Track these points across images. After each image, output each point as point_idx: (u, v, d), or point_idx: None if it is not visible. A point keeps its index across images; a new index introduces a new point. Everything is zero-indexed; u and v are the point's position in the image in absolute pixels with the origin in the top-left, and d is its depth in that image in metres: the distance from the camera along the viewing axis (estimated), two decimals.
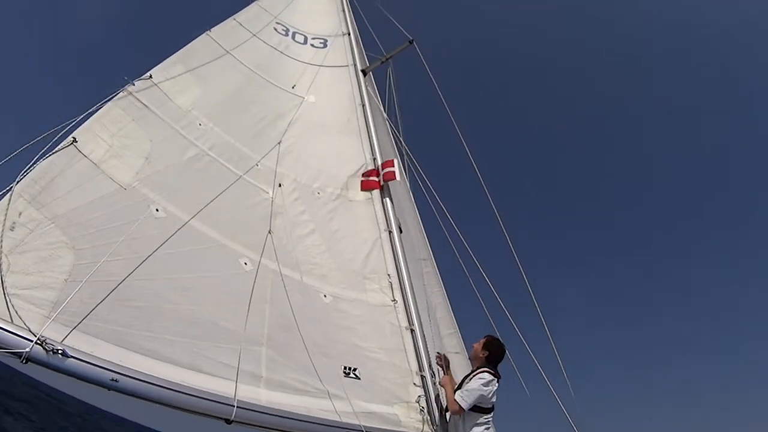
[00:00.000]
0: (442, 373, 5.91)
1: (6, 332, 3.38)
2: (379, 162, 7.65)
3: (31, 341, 3.39)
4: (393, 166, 7.55)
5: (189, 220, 5.18)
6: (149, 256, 4.58)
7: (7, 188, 4.04)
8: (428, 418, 5.49)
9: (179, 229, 5.01)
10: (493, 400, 5.38)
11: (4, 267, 3.70)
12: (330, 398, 4.88)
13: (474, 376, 5.51)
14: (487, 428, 5.31)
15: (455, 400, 5.35)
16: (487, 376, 5.37)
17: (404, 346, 5.99)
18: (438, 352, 6.18)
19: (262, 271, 5.41)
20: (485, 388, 5.27)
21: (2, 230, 3.84)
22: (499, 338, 5.83)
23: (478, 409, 5.31)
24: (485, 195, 8.19)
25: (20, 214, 4.03)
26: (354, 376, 5.33)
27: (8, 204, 3.98)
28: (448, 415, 5.58)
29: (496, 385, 5.39)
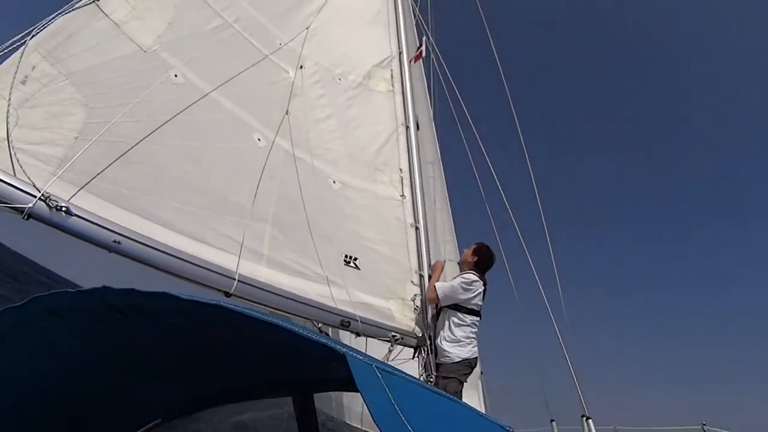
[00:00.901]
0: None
1: (9, 186, 3.29)
2: (405, 57, 7.41)
3: (35, 197, 3.31)
4: (422, 46, 7.47)
5: (209, 92, 4.99)
6: (165, 121, 4.43)
7: (22, 41, 3.84)
8: (421, 318, 5.54)
9: (194, 95, 4.84)
10: (478, 302, 5.45)
11: (12, 120, 3.56)
12: (328, 284, 4.89)
13: (458, 275, 5.63)
14: (473, 330, 5.39)
15: (434, 287, 5.49)
16: (471, 276, 5.45)
17: (407, 242, 5.98)
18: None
19: (275, 149, 5.28)
20: (465, 286, 5.35)
21: (13, 83, 3.66)
22: (490, 247, 5.85)
23: (461, 309, 5.39)
24: (509, 112, 7.97)
25: (33, 67, 3.84)
26: (354, 265, 5.32)
27: (21, 57, 3.78)
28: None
29: (481, 287, 5.45)
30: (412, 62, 7.54)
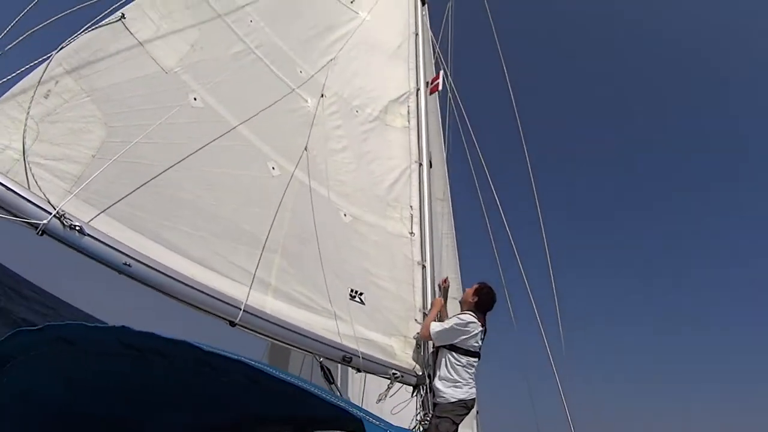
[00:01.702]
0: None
1: (25, 201, 3.20)
2: (423, 93, 7.39)
3: (50, 214, 3.23)
4: (439, 78, 7.49)
5: (226, 116, 4.94)
6: (181, 144, 4.37)
7: (47, 55, 3.78)
8: (422, 356, 5.42)
9: (214, 123, 4.78)
10: (474, 344, 5.30)
11: (31, 135, 3.49)
12: (335, 318, 4.78)
13: (455, 315, 5.49)
14: (469, 371, 5.26)
15: (429, 325, 5.39)
16: (466, 318, 5.29)
17: (413, 280, 5.87)
18: (446, 278, 6.11)
19: (287, 179, 5.19)
20: (459, 328, 5.20)
21: (34, 96, 3.60)
22: (492, 287, 5.75)
23: (457, 349, 5.25)
24: (522, 155, 7.94)
25: (57, 82, 3.78)
26: (359, 300, 5.21)
27: (44, 70, 3.71)
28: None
29: (478, 329, 5.29)
30: (429, 93, 7.56)
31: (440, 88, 7.79)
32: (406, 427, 4.75)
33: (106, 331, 2.02)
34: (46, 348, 2.23)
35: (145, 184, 3.97)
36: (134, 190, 3.88)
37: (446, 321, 5.48)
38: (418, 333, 5.56)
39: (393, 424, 1.79)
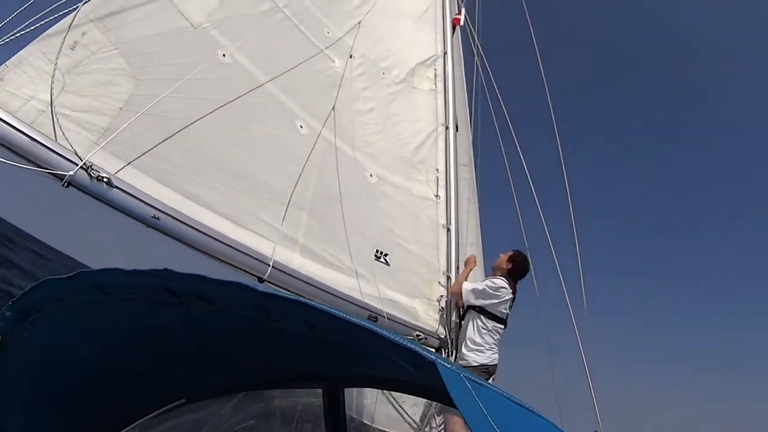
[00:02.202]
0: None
1: (51, 152, 3.15)
2: (449, 57, 7.23)
3: (77, 165, 3.17)
4: (461, 14, 7.64)
5: (255, 74, 4.83)
6: (209, 100, 4.29)
7: (75, 6, 3.67)
8: (445, 319, 5.38)
9: (242, 80, 4.68)
10: (504, 311, 5.27)
11: (58, 86, 3.40)
12: (357, 278, 4.75)
13: (488, 278, 5.48)
14: (494, 337, 5.21)
15: (462, 283, 5.36)
16: (499, 282, 5.26)
17: (438, 243, 5.82)
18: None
19: (315, 137, 5.11)
20: (491, 291, 5.17)
21: (61, 47, 3.50)
22: (526, 256, 5.67)
23: (485, 313, 5.21)
24: (550, 121, 7.73)
25: (84, 34, 3.68)
26: (384, 261, 5.16)
27: (71, 21, 3.60)
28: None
29: (509, 295, 5.25)
30: (452, 28, 7.54)
31: (461, 23, 7.73)
32: None
33: (148, 275, 1.89)
34: (75, 299, 2.11)
35: (172, 137, 3.90)
36: (162, 143, 3.82)
37: (479, 282, 5.43)
38: (442, 295, 5.51)
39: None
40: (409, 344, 1.61)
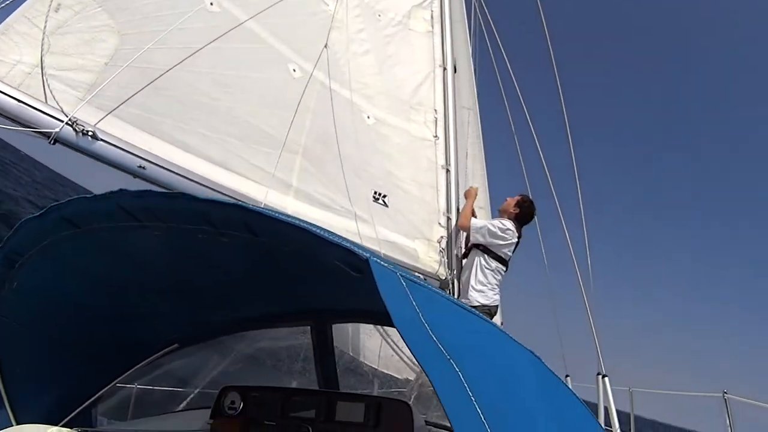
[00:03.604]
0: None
1: (37, 111, 3.16)
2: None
3: (62, 122, 3.19)
4: None
5: (244, 20, 4.71)
6: (196, 49, 4.21)
7: None
8: (445, 260, 5.38)
9: (228, 23, 4.58)
10: (507, 252, 5.27)
11: (44, 47, 3.40)
12: (355, 219, 4.72)
13: (496, 218, 5.48)
14: (496, 277, 5.25)
15: (468, 215, 5.39)
16: (508, 224, 5.25)
17: (437, 184, 5.77)
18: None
19: (310, 80, 5.02)
20: (499, 231, 5.17)
21: (47, 11, 3.47)
22: (533, 201, 5.64)
23: (491, 254, 5.23)
24: (549, 63, 7.51)
25: None
26: (382, 202, 5.14)
27: None
28: (463, 261, 5.53)
29: (514, 238, 5.26)
30: None
31: None
32: None
33: (107, 199, 1.90)
34: (53, 237, 2.14)
35: (158, 87, 3.85)
36: (148, 95, 3.77)
37: (487, 221, 5.45)
38: (442, 236, 5.51)
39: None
40: (342, 242, 1.56)
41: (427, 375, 1.28)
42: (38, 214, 2.07)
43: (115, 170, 3.49)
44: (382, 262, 1.50)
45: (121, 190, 1.85)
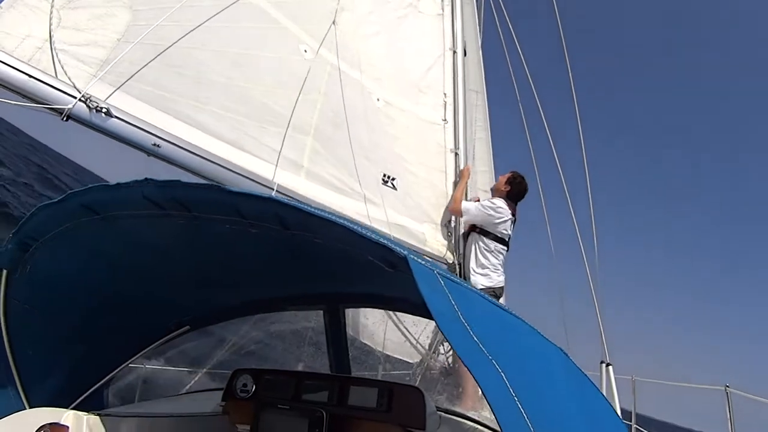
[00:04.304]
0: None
1: (49, 87, 3.10)
2: None
3: (75, 98, 3.13)
4: None
5: None
6: (205, 23, 4.13)
7: None
8: (453, 244, 5.38)
9: (244, 5, 4.48)
10: (505, 232, 5.28)
11: (54, 21, 3.31)
12: (365, 202, 4.72)
13: (487, 199, 5.52)
14: (497, 259, 5.25)
15: (459, 198, 5.41)
16: (497, 202, 5.29)
17: (445, 167, 5.76)
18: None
19: (321, 62, 4.97)
20: (489, 210, 5.19)
21: None
22: (524, 177, 5.63)
23: (488, 234, 5.24)
24: (560, 45, 7.45)
25: None
26: (391, 185, 5.12)
27: None
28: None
29: (508, 215, 5.25)
30: None
31: None
32: None
33: (131, 189, 1.90)
34: (70, 222, 2.13)
35: (172, 65, 3.80)
36: (161, 72, 3.72)
37: (479, 202, 5.46)
38: (450, 220, 5.51)
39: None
40: (380, 239, 1.59)
41: (473, 375, 1.28)
42: (56, 200, 2.07)
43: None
44: (419, 260, 1.51)
45: (146, 179, 1.83)
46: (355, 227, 1.59)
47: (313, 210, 1.64)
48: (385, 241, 1.56)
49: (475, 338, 1.35)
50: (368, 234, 1.58)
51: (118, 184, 1.93)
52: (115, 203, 2.02)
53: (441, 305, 1.42)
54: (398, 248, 1.53)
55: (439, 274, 1.51)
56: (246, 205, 1.80)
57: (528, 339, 1.63)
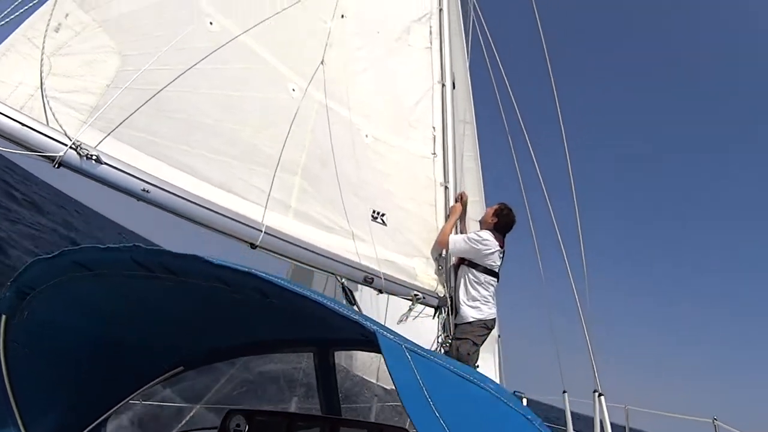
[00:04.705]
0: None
1: (40, 135, 3.15)
2: (445, 14, 7.08)
3: (66, 145, 3.19)
4: None
5: (239, 34, 4.68)
6: (193, 66, 4.20)
7: None
8: (444, 278, 5.41)
9: (229, 42, 4.57)
10: (492, 262, 5.32)
11: (45, 69, 3.38)
12: (354, 239, 4.75)
13: (474, 231, 5.57)
14: (488, 291, 5.29)
15: (447, 232, 5.45)
16: (484, 234, 5.35)
17: (435, 201, 5.80)
18: (462, 193, 6.04)
19: (308, 100, 5.03)
20: (476, 244, 5.24)
21: (46, 31, 3.45)
22: (512, 209, 5.70)
23: (477, 266, 5.29)
24: (546, 75, 7.57)
25: (67, 15, 3.60)
26: (381, 221, 5.16)
27: (54, 4, 3.54)
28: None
29: (495, 247, 5.31)
30: None
31: None
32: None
33: (120, 252, 2.02)
34: (64, 276, 2.25)
35: (160, 109, 3.87)
36: (150, 117, 3.78)
37: (466, 234, 5.51)
38: (440, 254, 5.54)
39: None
40: (351, 315, 1.67)
41: None
42: (50, 255, 2.19)
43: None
44: (388, 335, 1.59)
45: (135, 245, 1.94)
46: (327, 302, 1.67)
47: (288, 285, 1.72)
48: (356, 317, 1.64)
49: (435, 412, 1.41)
50: (340, 310, 1.65)
51: (108, 246, 2.03)
52: (105, 263, 2.12)
53: (405, 378, 1.49)
54: (368, 323, 1.61)
55: (406, 348, 1.58)
56: (227, 276, 1.88)
57: (492, 410, 1.68)
